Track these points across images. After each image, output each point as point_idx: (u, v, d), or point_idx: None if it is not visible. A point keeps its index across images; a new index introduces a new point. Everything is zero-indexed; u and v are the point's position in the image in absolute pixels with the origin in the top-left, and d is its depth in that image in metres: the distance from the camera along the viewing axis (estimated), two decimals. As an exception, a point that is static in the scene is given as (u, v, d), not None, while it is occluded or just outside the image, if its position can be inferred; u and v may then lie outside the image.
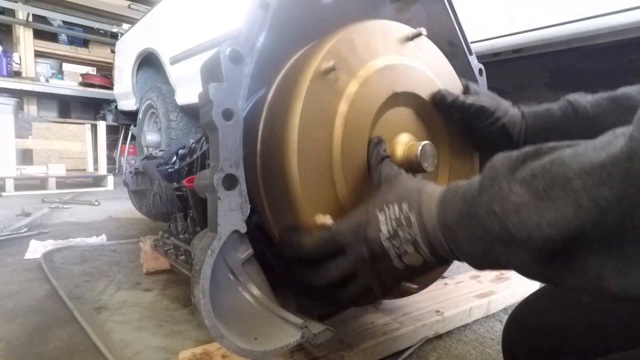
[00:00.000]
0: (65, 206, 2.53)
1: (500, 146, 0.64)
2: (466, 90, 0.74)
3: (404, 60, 0.66)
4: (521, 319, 0.56)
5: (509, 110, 0.68)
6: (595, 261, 0.28)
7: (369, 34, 0.62)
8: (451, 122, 0.72)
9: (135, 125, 3.43)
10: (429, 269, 0.47)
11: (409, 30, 0.68)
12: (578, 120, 0.62)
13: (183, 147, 1.19)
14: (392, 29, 0.66)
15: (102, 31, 5.17)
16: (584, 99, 0.63)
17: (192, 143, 1.10)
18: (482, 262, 0.39)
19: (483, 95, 0.70)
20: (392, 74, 0.63)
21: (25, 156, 3.98)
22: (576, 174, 0.28)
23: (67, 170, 3.64)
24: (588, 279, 0.29)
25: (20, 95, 4.65)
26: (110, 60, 4.42)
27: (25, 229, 1.80)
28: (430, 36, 0.74)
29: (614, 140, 0.27)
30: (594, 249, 0.28)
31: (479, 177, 0.37)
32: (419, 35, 0.67)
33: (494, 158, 0.36)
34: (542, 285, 0.64)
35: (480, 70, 0.84)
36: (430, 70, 0.69)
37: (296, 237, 0.54)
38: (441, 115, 0.70)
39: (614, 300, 0.29)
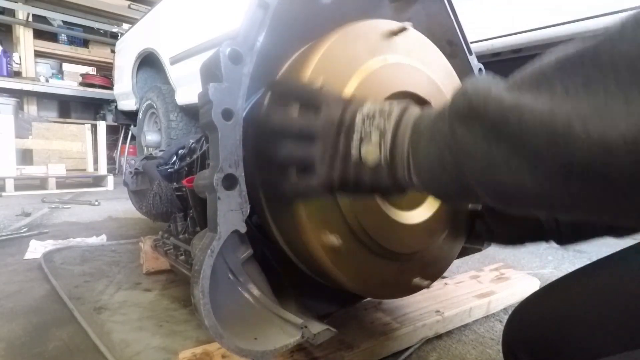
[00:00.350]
0: (65, 206, 2.53)
1: (517, 220, 0.65)
2: None
3: (394, 59, 0.65)
4: (521, 318, 0.56)
5: None
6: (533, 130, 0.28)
7: (352, 41, 0.60)
8: None
9: (135, 125, 3.43)
10: (374, 183, 0.44)
11: (394, 25, 0.67)
12: None
13: (183, 147, 1.19)
14: (376, 28, 0.64)
15: (102, 31, 5.17)
16: None
17: (192, 143, 1.10)
18: (433, 166, 0.38)
19: None
20: (383, 76, 0.62)
21: (25, 156, 3.98)
22: (553, 68, 0.28)
23: (67, 170, 3.64)
24: (524, 155, 0.29)
25: (20, 95, 4.65)
26: (110, 60, 4.43)
27: (25, 229, 1.80)
28: (430, 36, 0.73)
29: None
30: (534, 116, 0.28)
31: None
32: (403, 30, 0.66)
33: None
34: (543, 285, 0.64)
35: (480, 70, 0.84)
36: (422, 64, 0.68)
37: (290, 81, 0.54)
38: None
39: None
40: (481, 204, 0.37)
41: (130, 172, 1.35)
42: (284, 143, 0.49)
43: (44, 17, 4.86)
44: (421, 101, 0.67)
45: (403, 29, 0.64)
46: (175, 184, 1.06)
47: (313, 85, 0.51)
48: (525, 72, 0.31)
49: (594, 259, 0.53)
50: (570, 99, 0.26)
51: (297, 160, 0.49)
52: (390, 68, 0.62)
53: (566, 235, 0.61)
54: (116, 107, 4.22)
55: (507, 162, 0.30)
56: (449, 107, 0.36)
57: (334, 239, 0.55)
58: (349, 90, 0.57)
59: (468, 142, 0.33)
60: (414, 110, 0.44)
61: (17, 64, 4.72)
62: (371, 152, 0.43)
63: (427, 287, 0.61)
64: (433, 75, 0.69)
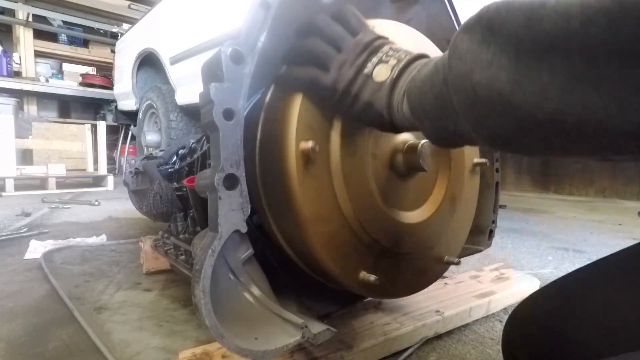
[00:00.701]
0: (65, 206, 2.53)
1: None
2: None
3: None
4: (522, 318, 0.56)
5: None
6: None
7: None
8: None
9: (135, 125, 3.43)
10: (368, 104, 0.49)
11: (407, 30, 0.68)
12: None
13: (183, 147, 1.19)
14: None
15: (102, 31, 5.18)
16: None
17: (193, 143, 1.10)
18: (425, 92, 0.41)
19: None
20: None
21: (25, 156, 3.98)
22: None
23: (67, 170, 3.64)
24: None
25: (20, 95, 4.66)
26: (110, 60, 4.43)
27: (25, 229, 1.80)
28: (431, 36, 0.74)
29: None
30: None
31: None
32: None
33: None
34: (543, 285, 0.64)
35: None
36: None
37: None
38: None
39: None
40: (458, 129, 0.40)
41: (131, 172, 1.35)
42: (315, 40, 0.54)
43: (44, 17, 4.86)
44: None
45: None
46: (175, 183, 1.06)
47: (356, 15, 0.56)
48: None
49: (594, 259, 0.53)
50: None
51: (320, 53, 0.53)
52: None
53: None
54: (116, 107, 4.21)
55: (492, 60, 0.31)
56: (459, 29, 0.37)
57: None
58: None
59: (463, 47, 0.34)
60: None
61: (17, 64, 4.72)
62: (383, 72, 0.49)
63: (457, 264, 0.65)
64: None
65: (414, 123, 0.46)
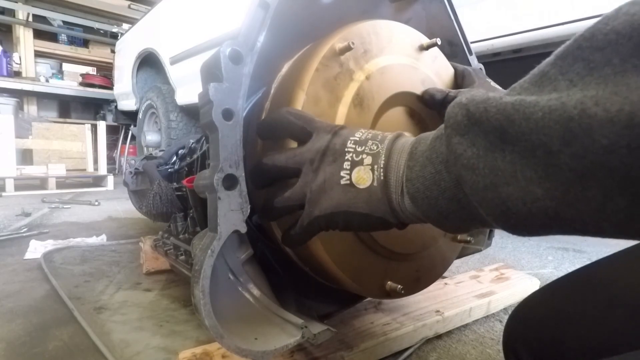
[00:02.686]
0: (65, 206, 2.53)
1: None
2: (461, 78, 0.71)
3: (407, 60, 0.65)
4: (522, 318, 0.56)
5: None
6: (539, 122, 0.25)
7: (389, 29, 0.63)
8: None
9: (135, 125, 3.43)
10: (366, 212, 0.42)
11: (408, 30, 0.68)
12: None
13: (183, 147, 1.19)
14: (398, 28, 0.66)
15: (102, 31, 5.18)
16: None
17: (192, 143, 1.10)
18: (429, 186, 0.36)
19: (478, 86, 0.67)
20: (393, 73, 0.63)
21: (25, 156, 3.98)
22: (551, 64, 0.27)
23: (67, 170, 3.64)
24: (534, 162, 0.26)
25: (20, 95, 4.66)
26: (110, 60, 4.43)
27: (25, 229, 1.80)
28: (430, 36, 0.73)
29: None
30: (539, 109, 0.25)
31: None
32: (434, 44, 0.68)
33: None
34: (543, 285, 0.64)
35: (480, 70, 0.84)
36: (432, 73, 0.69)
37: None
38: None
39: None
40: (487, 228, 0.34)
41: (130, 172, 1.35)
42: (276, 185, 0.49)
43: (44, 17, 4.86)
44: (419, 99, 0.67)
45: (434, 44, 0.65)
46: (175, 184, 1.06)
47: (299, 117, 0.50)
48: (525, 77, 0.29)
49: (594, 259, 0.53)
50: (577, 87, 0.24)
51: (287, 200, 0.47)
52: (383, 71, 0.62)
53: None
54: (116, 107, 4.22)
55: (514, 171, 0.27)
56: (445, 121, 0.33)
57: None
58: (345, 103, 0.58)
59: (468, 155, 0.30)
60: (409, 137, 0.43)
61: (17, 64, 4.73)
62: (363, 176, 0.42)
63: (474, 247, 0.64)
64: (426, 70, 0.69)
65: (422, 218, 0.40)
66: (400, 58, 0.65)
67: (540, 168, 0.26)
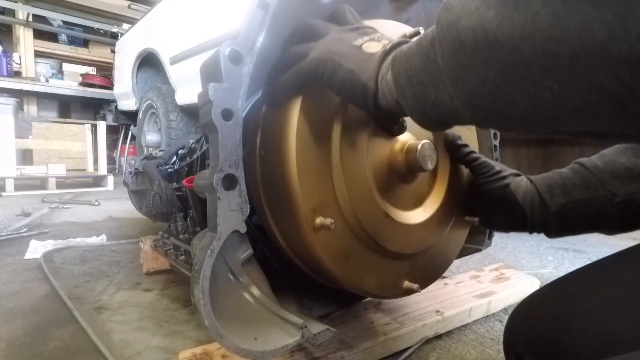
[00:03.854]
0: (65, 206, 2.53)
1: (503, 208, 0.65)
2: None
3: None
4: (522, 318, 0.56)
5: (514, 174, 0.67)
6: None
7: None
8: None
9: (135, 125, 3.43)
10: (358, 70, 0.46)
11: (406, 29, 0.68)
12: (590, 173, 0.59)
13: (183, 147, 1.19)
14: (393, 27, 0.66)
15: (102, 31, 5.17)
16: (589, 159, 0.61)
17: (192, 143, 1.10)
18: (412, 66, 0.39)
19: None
20: None
21: (25, 156, 3.98)
22: None
23: (67, 170, 3.64)
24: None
25: (20, 95, 4.66)
26: (110, 60, 4.42)
27: (25, 229, 1.80)
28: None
29: None
30: None
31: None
32: (417, 33, 0.67)
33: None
34: (543, 285, 0.64)
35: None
36: None
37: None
38: None
39: None
40: (439, 98, 0.38)
41: (130, 172, 1.35)
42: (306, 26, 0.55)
43: (44, 17, 4.86)
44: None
45: (417, 33, 0.64)
46: (175, 184, 1.06)
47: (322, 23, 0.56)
48: None
49: (594, 259, 0.53)
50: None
51: (310, 32, 0.54)
52: None
53: (555, 226, 0.61)
54: (116, 107, 4.21)
55: (479, 4, 0.30)
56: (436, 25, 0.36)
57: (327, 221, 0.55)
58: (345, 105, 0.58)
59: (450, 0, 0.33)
60: None
61: (17, 64, 4.72)
62: (374, 45, 0.47)
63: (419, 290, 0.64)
64: None
65: (396, 99, 0.43)
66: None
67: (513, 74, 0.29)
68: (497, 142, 0.87)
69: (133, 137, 4.09)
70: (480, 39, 0.29)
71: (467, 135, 0.77)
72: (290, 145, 0.54)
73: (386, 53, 0.45)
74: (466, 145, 0.69)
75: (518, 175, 0.68)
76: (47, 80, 4.85)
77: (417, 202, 0.69)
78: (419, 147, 0.60)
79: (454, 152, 0.69)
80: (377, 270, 0.63)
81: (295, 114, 0.54)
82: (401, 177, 0.65)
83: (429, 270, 0.73)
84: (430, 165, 0.61)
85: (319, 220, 0.54)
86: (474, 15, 0.30)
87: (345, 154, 0.58)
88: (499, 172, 0.67)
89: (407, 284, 0.66)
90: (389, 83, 0.43)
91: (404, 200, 0.66)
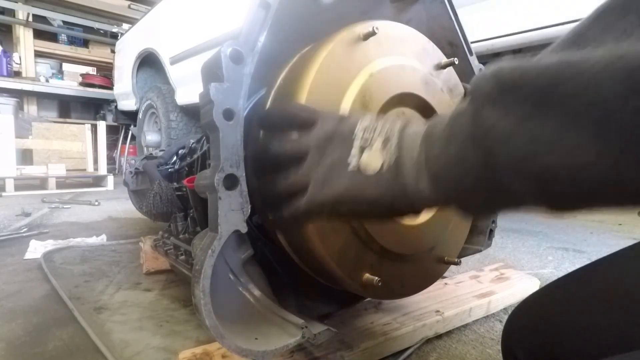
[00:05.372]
0: (65, 206, 2.53)
1: None
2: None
3: (408, 62, 0.66)
4: (521, 318, 0.56)
5: None
6: (598, 75, 0.22)
7: (342, 55, 0.60)
8: None
9: (135, 125, 3.43)
10: (374, 198, 0.39)
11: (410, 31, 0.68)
12: None
13: (183, 147, 1.19)
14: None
15: (102, 31, 5.18)
16: None
17: (193, 143, 1.10)
18: (452, 167, 0.33)
19: None
20: (395, 74, 0.63)
21: (25, 156, 3.98)
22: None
23: (67, 170, 3.64)
24: (585, 122, 0.23)
25: (20, 95, 4.65)
26: (110, 60, 4.43)
27: (25, 229, 1.80)
28: (431, 36, 0.74)
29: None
30: (595, 62, 0.22)
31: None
32: (451, 64, 0.70)
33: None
34: (543, 285, 0.64)
35: (480, 70, 0.84)
36: (414, 60, 0.69)
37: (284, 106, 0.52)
38: None
39: None
40: (518, 210, 0.31)
41: (131, 172, 1.35)
42: (280, 173, 0.47)
43: (44, 17, 4.86)
44: (424, 103, 0.67)
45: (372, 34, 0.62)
46: (175, 183, 1.06)
47: (303, 108, 0.49)
48: (551, 46, 0.26)
49: (594, 258, 0.53)
50: (633, 36, 0.22)
51: (290, 183, 0.46)
52: (380, 74, 0.62)
53: None
54: (116, 107, 4.22)
55: (559, 138, 0.24)
56: (472, 94, 0.30)
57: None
58: (346, 104, 0.58)
59: (501, 126, 0.27)
60: (421, 121, 0.40)
61: (17, 64, 4.72)
62: (372, 159, 0.39)
63: (458, 264, 0.63)
64: (422, 68, 0.69)
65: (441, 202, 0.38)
66: (389, 60, 0.65)
67: (592, 130, 0.23)
68: None
69: (133, 137, 4.09)
70: (582, 179, 0.25)
71: None
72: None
73: (398, 168, 0.38)
74: None
75: None
76: (47, 80, 4.85)
77: None
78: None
79: None
80: (380, 271, 0.63)
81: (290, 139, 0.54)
82: None
83: (430, 270, 0.74)
84: None
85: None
86: (559, 152, 0.25)
87: None
88: None
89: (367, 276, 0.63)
90: (430, 195, 0.36)
91: None
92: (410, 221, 0.66)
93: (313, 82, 0.55)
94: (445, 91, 0.71)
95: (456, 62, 0.70)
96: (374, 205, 0.40)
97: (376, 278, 0.59)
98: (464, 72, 0.80)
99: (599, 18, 0.24)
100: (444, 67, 0.71)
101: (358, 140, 0.40)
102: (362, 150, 0.40)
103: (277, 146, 0.49)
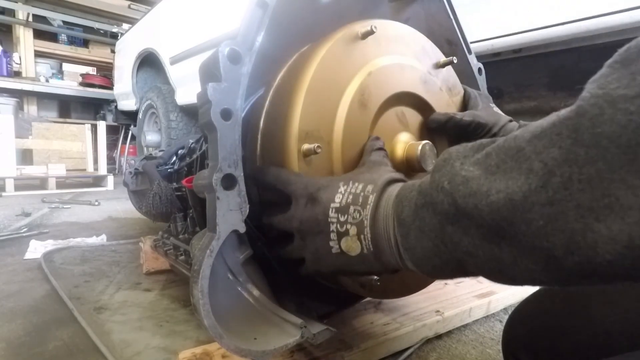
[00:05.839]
0: (65, 206, 2.53)
1: None
2: (467, 99, 0.75)
3: (406, 60, 0.66)
4: (522, 318, 0.56)
5: (506, 125, 0.68)
6: (541, 230, 0.26)
7: (339, 56, 0.60)
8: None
9: (135, 125, 3.43)
10: (364, 271, 0.45)
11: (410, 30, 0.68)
12: None
13: (183, 147, 1.19)
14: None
15: (102, 31, 5.18)
16: None
17: (192, 143, 1.10)
18: (431, 258, 0.36)
19: (481, 110, 0.71)
20: (393, 72, 0.63)
21: (25, 156, 3.98)
22: (527, 141, 0.27)
23: (67, 170, 3.64)
24: (535, 258, 0.27)
25: (20, 95, 4.65)
26: (110, 60, 4.43)
27: (25, 229, 1.80)
28: (430, 35, 0.73)
29: (564, 110, 0.26)
30: (539, 215, 0.26)
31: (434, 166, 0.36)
32: (450, 62, 0.70)
33: (451, 147, 0.35)
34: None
35: (479, 69, 0.84)
36: (413, 58, 0.69)
37: (270, 168, 0.55)
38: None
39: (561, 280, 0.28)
40: None
41: (130, 172, 1.35)
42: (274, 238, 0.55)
43: (44, 17, 4.86)
44: (422, 102, 0.67)
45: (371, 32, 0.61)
46: (175, 184, 1.06)
47: (277, 180, 0.52)
48: (504, 142, 0.30)
49: (594, 258, 0.53)
50: (556, 176, 0.25)
51: (287, 254, 0.52)
52: (379, 73, 0.62)
53: None
54: (116, 107, 4.22)
55: (514, 260, 0.28)
56: (431, 201, 0.34)
57: None
58: (345, 103, 0.58)
59: (465, 244, 0.31)
60: (390, 192, 0.43)
61: (17, 64, 4.72)
62: (352, 245, 0.43)
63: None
64: (421, 67, 0.69)
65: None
66: (389, 59, 0.65)
67: (542, 264, 0.27)
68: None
69: (133, 137, 4.08)
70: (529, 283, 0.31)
71: None
72: (291, 146, 0.53)
73: (377, 254, 0.42)
74: (453, 116, 0.67)
75: (510, 121, 0.68)
76: (47, 80, 4.85)
77: None
78: (420, 147, 0.60)
79: (445, 127, 0.67)
80: None
81: (297, 115, 0.54)
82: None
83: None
84: (430, 167, 0.61)
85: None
86: (521, 271, 0.29)
87: (346, 154, 0.58)
88: (490, 129, 0.67)
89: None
90: (413, 269, 0.40)
91: None
92: None
93: (312, 81, 0.55)
94: (444, 90, 0.71)
95: (455, 61, 0.70)
96: (365, 272, 0.46)
97: (375, 277, 0.59)
98: (463, 71, 0.80)
99: (533, 138, 0.28)
100: (443, 66, 0.71)
101: (334, 226, 0.44)
102: (340, 235, 0.44)
103: (268, 218, 0.54)
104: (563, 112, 0.26)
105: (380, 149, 0.56)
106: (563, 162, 0.25)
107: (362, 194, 0.44)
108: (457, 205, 0.31)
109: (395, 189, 0.43)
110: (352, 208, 0.43)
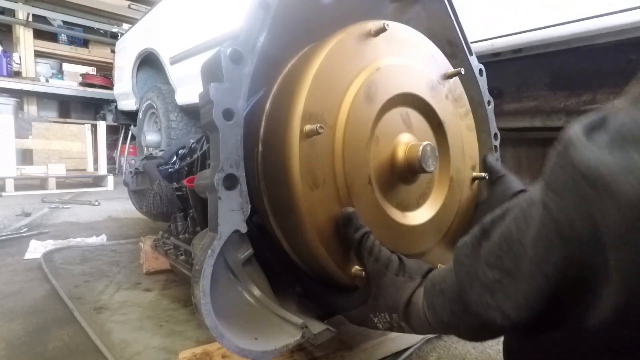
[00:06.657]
0: (65, 206, 2.53)
1: None
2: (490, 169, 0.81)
3: (415, 64, 0.66)
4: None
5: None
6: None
7: (341, 58, 0.59)
8: (453, 123, 0.72)
9: (135, 125, 3.42)
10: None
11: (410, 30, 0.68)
12: None
13: (183, 147, 1.19)
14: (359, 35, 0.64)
15: (102, 31, 5.18)
16: None
17: (192, 143, 1.10)
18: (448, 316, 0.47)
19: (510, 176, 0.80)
20: (402, 73, 0.63)
21: (25, 156, 3.98)
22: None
23: (67, 170, 3.64)
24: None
25: (20, 95, 4.65)
26: (110, 60, 4.42)
27: (25, 229, 1.80)
28: (431, 36, 0.74)
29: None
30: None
31: (453, 273, 0.45)
32: (457, 74, 0.72)
33: (456, 250, 0.45)
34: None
35: (480, 70, 0.84)
36: (415, 60, 0.69)
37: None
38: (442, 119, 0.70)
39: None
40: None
41: (131, 172, 1.35)
42: None
43: (44, 17, 4.86)
44: (424, 103, 0.67)
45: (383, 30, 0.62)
46: (175, 183, 1.06)
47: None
48: (479, 230, 0.43)
49: (594, 259, 0.53)
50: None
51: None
52: (387, 70, 0.62)
53: None
54: (116, 107, 4.21)
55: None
56: (428, 307, 0.49)
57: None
58: (350, 95, 0.58)
59: (445, 317, 0.47)
60: (414, 312, 0.52)
61: (17, 64, 4.72)
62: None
63: None
64: (430, 74, 0.69)
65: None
66: (390, 60, 0.65)
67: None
68: (497, 143, 0.87)
69: (133, 137, 4.08)
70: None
71: (468, 136, 0.77)
72: (293, 146, 0.54)
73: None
74: (503, 174, 0.78)
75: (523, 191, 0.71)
76: (47, 80, 4.85)
77: (418, 204, 0.69)
78: (421, 148, 0.60)
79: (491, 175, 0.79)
80: None
81: (298, 115, 0.54)
82: (402, 178, 0.65)
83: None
84: (431, 168, 0.61)
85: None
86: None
87: (348, 154, 0.58)
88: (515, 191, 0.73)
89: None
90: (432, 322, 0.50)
91: (404, 201, 0.66)
92: (410, 222, 0.66)
93: (320, 67, 0.55)
94: (450, 99, 0.72)
95: (462, 72, 0.71)
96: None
97: (364, 272, 0.59)
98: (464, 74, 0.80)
99: (499, 246, 0.41)
100: (450, 76, 0.72)
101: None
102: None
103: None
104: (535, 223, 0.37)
105: (362, 235, 0.55)
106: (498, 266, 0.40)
107: (394, 322, 0.54)
108: (427, 288, 0.51)
109: (416, 311, 0.51)
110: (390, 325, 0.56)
